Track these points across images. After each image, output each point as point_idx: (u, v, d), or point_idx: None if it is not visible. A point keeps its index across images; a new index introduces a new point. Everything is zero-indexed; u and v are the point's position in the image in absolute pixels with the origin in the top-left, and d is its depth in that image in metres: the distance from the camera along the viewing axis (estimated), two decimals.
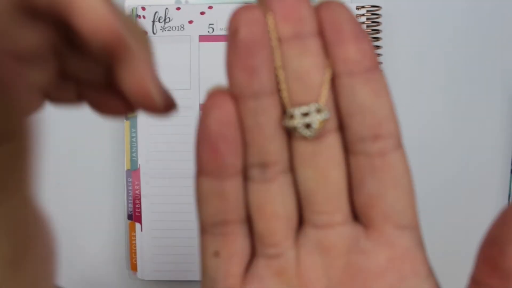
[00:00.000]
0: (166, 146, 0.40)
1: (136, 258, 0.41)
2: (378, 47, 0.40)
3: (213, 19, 0.40)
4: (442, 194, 0.42)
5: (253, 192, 0.15)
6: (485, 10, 0.41)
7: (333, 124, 0.15)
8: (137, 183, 0.40)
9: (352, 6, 0.40)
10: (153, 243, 0.41)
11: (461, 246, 0.44)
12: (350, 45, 0.14)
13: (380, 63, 0.40)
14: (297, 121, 0.14)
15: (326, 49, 0.14)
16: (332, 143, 0.15)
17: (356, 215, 0.16)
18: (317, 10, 0.14)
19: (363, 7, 0.40)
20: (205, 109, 0.14)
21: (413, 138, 0.42)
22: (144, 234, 0.41)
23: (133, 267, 0.42)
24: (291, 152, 0.15)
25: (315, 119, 0.14)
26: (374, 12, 0.40)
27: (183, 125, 0.39)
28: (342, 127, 0.15)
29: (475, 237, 0.44)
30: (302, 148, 0.15)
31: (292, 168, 0.15)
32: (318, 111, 0.14)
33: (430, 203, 0.43)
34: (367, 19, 0.40)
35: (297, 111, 0.14)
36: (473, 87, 0.42)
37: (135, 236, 0.41)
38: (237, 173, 0.15)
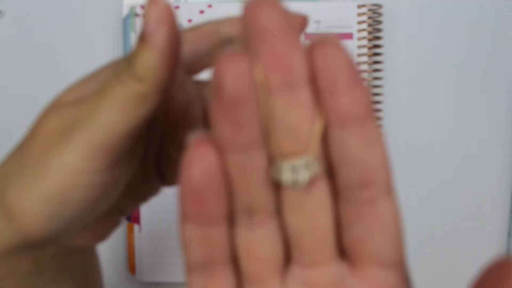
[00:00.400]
0: None
1: (134, 259, 0.41)
2: (379, 46, 0.40)
3: (213, 18, 0.40)
4: (441, 192, 0.42)
5: (239, 236, 0.15)
6: (487, 8, 0.41)
7: (322, 172, 0.15)
8: None
9: (354, 5, 0.39)
10: (152, 245, 0.40)
11: (457, 247, 0.44)
12: (344, 95, 0.13)
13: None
14: (285, 177, 0.14)
15: (318, 95, 0.14)
16: (321, 190, 0.15)
17: (343, 250, 0.16)
18: (311, 50, 0.14)
19: (364, 5, 0.39)
20: (189, 160, 0.14)
21: (414, 137, 0.42)
22: (142, 235, 0.40)
23: (132, 268, 0.41)
24: (278, 197, 0.15)
25: (304, 175, 0.14)
26: (375, 11, 0.40)
27: None
28: (331, 172, 0.15)
29: (473, 239, 0.43)
30: (289, 196, 0.15)
31: (279, 211, 0.15)
32: (307, 165, 0.14)
33: (430, 201, 0.42)
34: (369, 17, 0.39)
35: (285, 166, 0.13)
36: (475, 86, 0.41)
37: (133, 237, 0.41)
38: (222, 220, 0.15)
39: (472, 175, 0.42)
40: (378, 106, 0.41)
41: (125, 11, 0.40)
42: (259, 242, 0.15)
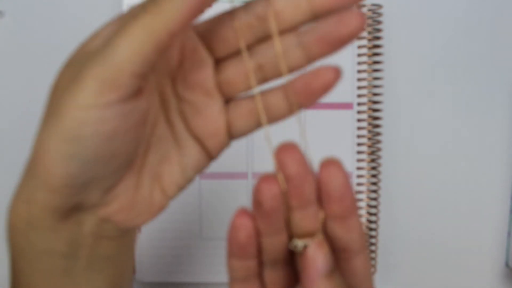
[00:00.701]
0: None
1: (134, 259, 0.41)
2: (379, 46, 0.40)
3: None
4: (441, 192, 0.42)
5: (267, 273, 0.23)
6: (487, 9, 0.41)
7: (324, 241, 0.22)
8: None
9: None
10: (152, 245, 0.40)
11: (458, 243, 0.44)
12: (336, 205, 0.21)
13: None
14: (299, 250, 0.22)
15: (320, 197, 0.21)
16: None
17: None
18: (320, 167, 0.21)
19: (364, 5, 0.39)
20: (235, 226, 0.21)
21: (414, 137, 0.42)
22: (142, 236, 0.40)
23: None
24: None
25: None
26: (375, 11, 0.39)
27: None
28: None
29: (473, 239, 0.43)
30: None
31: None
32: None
33: (430, 201, 0.42)
34: (369, 17, 0.39)
35: (300, 243, 0.21)
36: (476, 86, 0.41)
37: None
38: (254, 256, 0.22)
39: (472, 175, 0.42)
40: (378, 106, 0.41)
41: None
42: (280, 278, 0.23)
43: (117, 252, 0.24)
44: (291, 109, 0.23)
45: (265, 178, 0.20)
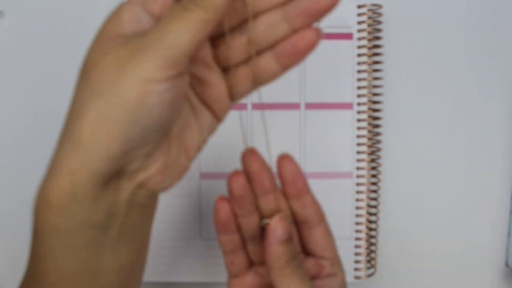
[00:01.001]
0: None
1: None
2: (379, 46, 0.40)
3: None
4: (441, 193, 0.42)
5: (250, 246, 0.30)
6: (487, 9, 0.41)
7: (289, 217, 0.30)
8: None
9: (354, 5, 0.39)
10: (152, 245, 0.40)
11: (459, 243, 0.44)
12: (290, 187, 0.29)
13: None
14: (266, 225, 0.28)
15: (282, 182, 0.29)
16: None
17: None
18: (277, 161, 0.28)
19: (364, 5, 0.39)
20: (216, 208, 0.28)
21: (414, 138, 0.42)
22: None
23: None
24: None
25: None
26: (375, 11, 0.39)
27: None
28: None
29: (473, 239, 0.43)
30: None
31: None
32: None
33: (430, 201, 0.42)
34: (369, 18, 0.39)
35: (267, 221, 0.28)
36: (476, 85, 0.41)
37: None
38: (235, 231, 0.29)
39: (472, 176, 0.42)
40: (378, 106, 0.41)
41: None
42: (260, 251, 0.30)
43: (142, 222, 0.26)
44: (281, 69, 0.26)
45: (234, 173, 0.28)
